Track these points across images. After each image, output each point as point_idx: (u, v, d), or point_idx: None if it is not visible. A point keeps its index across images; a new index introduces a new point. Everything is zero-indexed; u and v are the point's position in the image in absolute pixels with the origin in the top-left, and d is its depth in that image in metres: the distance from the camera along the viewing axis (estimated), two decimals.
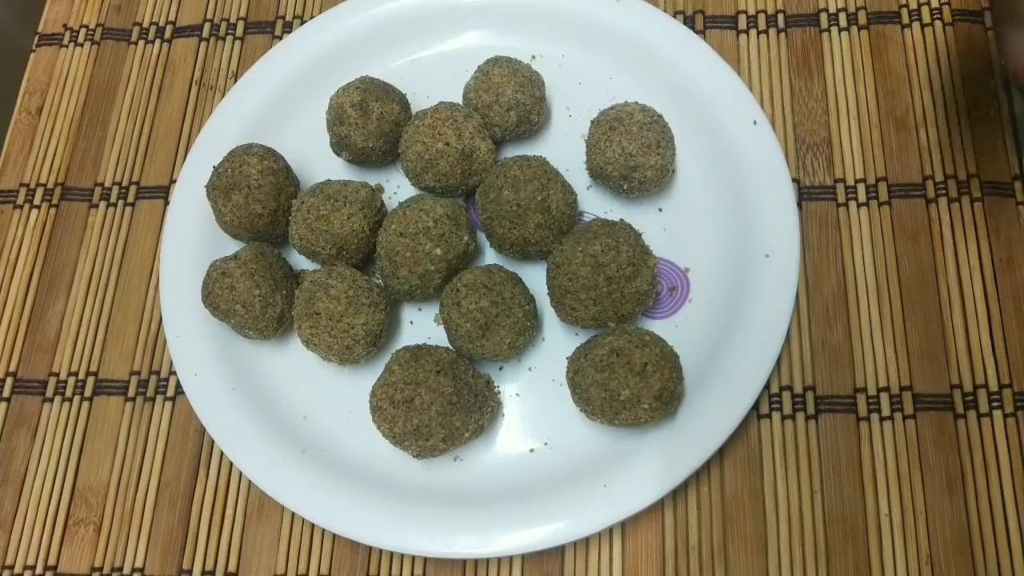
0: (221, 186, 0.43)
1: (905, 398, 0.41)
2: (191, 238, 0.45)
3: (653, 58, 0.47)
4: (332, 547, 0.41)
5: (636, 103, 0.43)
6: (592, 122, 0.43)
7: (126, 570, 0.42)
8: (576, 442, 0.41)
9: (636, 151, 0.41)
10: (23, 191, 0.50)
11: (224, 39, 0.52)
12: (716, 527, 0.40)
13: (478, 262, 0.45)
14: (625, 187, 0.43)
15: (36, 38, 0.54)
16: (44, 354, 0.46)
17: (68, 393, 0.45)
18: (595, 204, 0.45)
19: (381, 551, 0.41)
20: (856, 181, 0.45)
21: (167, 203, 0.48)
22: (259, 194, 0.42)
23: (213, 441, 0.42)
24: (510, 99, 0.44)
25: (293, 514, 0.42)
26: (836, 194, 0.45)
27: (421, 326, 0.44)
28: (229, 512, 0.42)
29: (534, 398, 0.42)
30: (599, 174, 0.43)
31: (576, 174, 0.45)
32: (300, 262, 0.45)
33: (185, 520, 0.42)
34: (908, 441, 0.40)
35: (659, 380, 0.37)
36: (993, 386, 0.41)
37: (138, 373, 0.45)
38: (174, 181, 0.49)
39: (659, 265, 0.41)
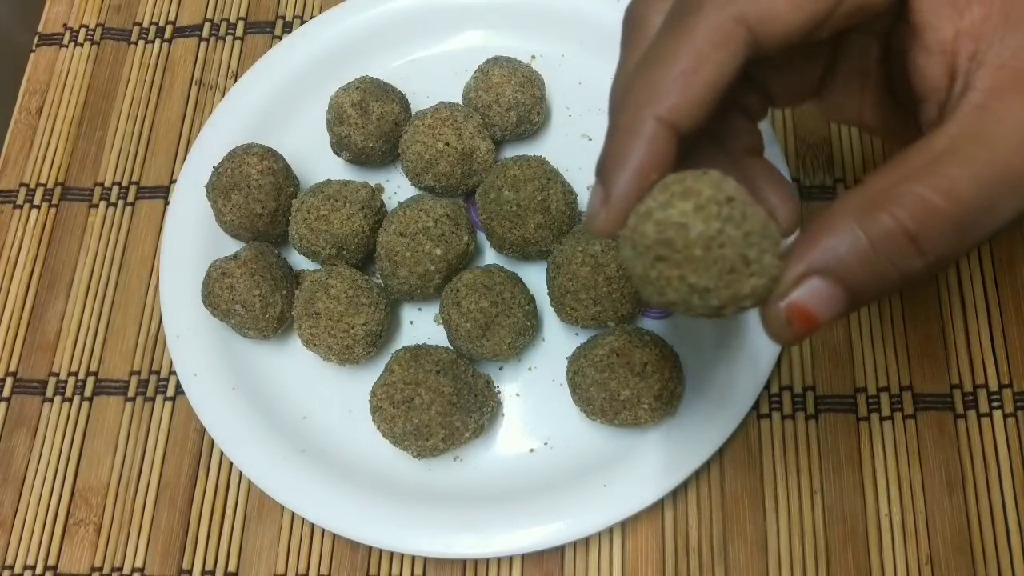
0: (221, 186, 0.43)
1: (905, 398, 0.41)
2: (191, 238, 0.45)
3: None
4: (332, 547, 0.41)
5: (675, 191, 0.23)
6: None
7: (126, 570, 0.41)
8: (576, 442, 0.41)
9: (714, 284, 0.23)
10: (23, 191, 0.50)
11: (224, 39, 0.52)
12: (716, 527, 0.40)
13: (478, 262, 0.45)
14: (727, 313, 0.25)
15: (36, 38, 0.54)
16: (44, 354, 0.46)
17: (68, 393, 0.45)
18: None
19: (381, 551, 0.41)
20: (856, 181, 0.45)
21: (167, 203, 0.48)
22: (259, 194, 0.42)
23: (213, 441, 0.42)
24: (510, 99, 0.44)
25: (293, 514, 0.42)
26: (836, 194, 0.45)
27: (421, 326, 0.44)
28: (229, 512, 0.42)
29: (534, 398, 0.42)
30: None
31: (576, 174, 0.45)
32: (300, 262, 0.45)
33: (185, 520, 0.42)
34: (908, 441, 0.40)
35: (659, 380, 0.37)
36: (993, 386, 0.41)
37: (138, 373, 0.45)
38: (174, 181, 0.49)
39: None
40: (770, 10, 0.24)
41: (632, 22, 0.27)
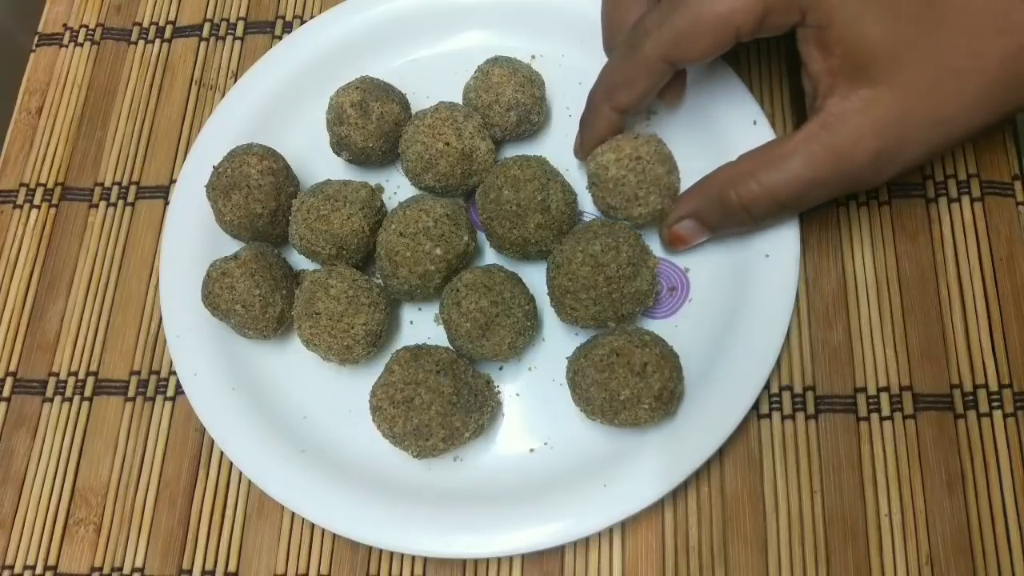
0: (221, 186, 0.43)
1: (905, 398, 0.41)
2: (191, 238, 0.45)
3: None
4: (332, 547, 0.41)
5: (612, 149, 0.42)
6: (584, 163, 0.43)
7: (126, 570, 0.42)
8: (576, 442, 0.41)
9: (620, 205, 0.42)
10: (23, 191, 0.50)
11: (224, 39, 0.52)
12: (716, 527, 0.40)
13: (478, 262, 0.45)
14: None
15: (36, 38, 0.54)
16: (44, 354, 0.46)
17: (68, 393, 0.45)
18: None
19: (381, 551, 0.41)
20: None
21: (167, 203, 0.48)
22: (259, 194, 0.42)
23: (213, 441, 0.42)
24: (510, 99, 0.44)
25: (293, 514, 0.42)
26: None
27: (421, 326, 0.44)
28: (229, 512, 0.42)
29: (534, 398, 0.42)
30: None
31: (576, 174, 0.45)
32: (300, 262, 0.45)
33: (185, 520, 0.42)
34: (908, 441, 0.40)
35: (659, 380, 0.37)
36: (993, 386, 0.41)
37: (138, 373, 0.45)
38: (174, 181, 0.49)
39: (659, 265, 0.41)
40: (687, 54, 0.38)
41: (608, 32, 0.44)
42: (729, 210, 0.40)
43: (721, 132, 0.45)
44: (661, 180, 0.41)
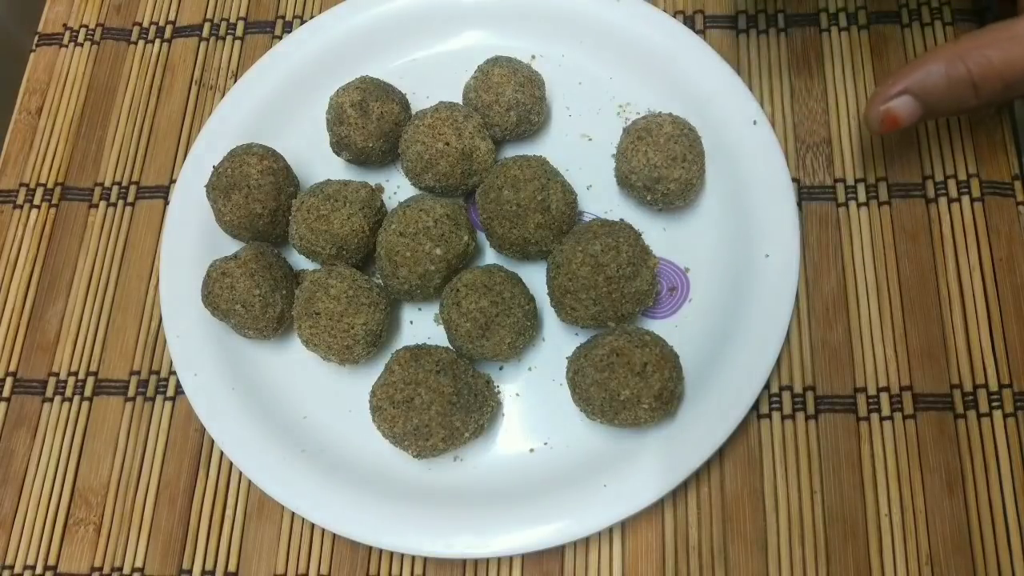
0: (221, 186, 0.43)
1: (905, 398, 0.41)
2: (191, 238, 0.45)
3: (653, 58, 0.47)
4: (332, 547, 0.41)
5: (669, 115, 0.43)
6: (624, 130, 0.43)
7: (126, 570, 0.42)
8: (576, 442, 0.41)
9: (661, 163, 0.41)
10: (23, 191, 0.50)
11: (224, 39, 0.52)
12: (716, 527, 0.40)
13: (478, 262, 0.45)
14: (649, 198, 0.43)
15: (36, 38, 0.54)
16: (44, 354, 0.46)
17: (68, 393, 0.45)
18: (595, 204, 0.45)
19: (381, 551, 0.41)
20: (856, 181, 0.45)
21: (167, 203, 0.48)
22: (259, 194, 0.42)
23: (213, 441, 0.42)
24: (510, 99, 0.44)
25: (293, 514, 0.42)
26: (836, 194, 0.45)
27: (421, 326, 0.44)
28: (229, 512, 0.42)
29: (534, 398, 0.42)
30: (625, 183, 0.43)
31: (576, 174, 0.45)
32: (300, 262, 0.45)
33: (185, 520, 0.42)
34: (908, 441, 0.40)
35: (659, 380, 0.37)
36: (993, 386, 0.41)
37: (138, 373, 0.45)
38: (174, 181, 0.49)
39: (659, 265, 0.41)
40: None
41: None
42: (956, 86, 0.37)
43: (721, 132, 0.45)
44: (702, 157, 0.43)
